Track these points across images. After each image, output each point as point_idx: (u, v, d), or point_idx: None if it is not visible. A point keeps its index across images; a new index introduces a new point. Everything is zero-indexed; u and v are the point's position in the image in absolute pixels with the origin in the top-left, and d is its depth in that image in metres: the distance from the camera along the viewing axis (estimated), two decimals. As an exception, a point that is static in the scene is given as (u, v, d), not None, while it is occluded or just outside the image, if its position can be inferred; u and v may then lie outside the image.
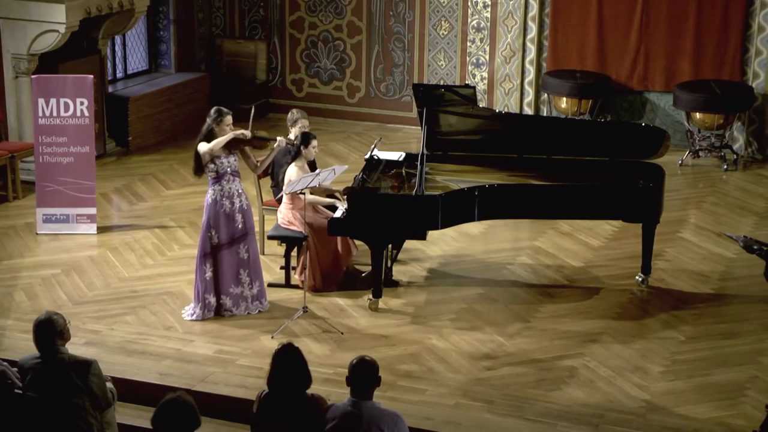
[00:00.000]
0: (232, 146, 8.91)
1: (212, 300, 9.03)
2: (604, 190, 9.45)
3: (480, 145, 10.06)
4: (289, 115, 10.25)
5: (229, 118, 8.90)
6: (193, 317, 9.03)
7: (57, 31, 11.94)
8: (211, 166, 8.85)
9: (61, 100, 10.88)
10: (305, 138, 9.58)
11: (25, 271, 10.03)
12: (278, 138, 9.15)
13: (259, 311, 9.17)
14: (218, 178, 8.89)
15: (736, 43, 13.32)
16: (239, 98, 14.25)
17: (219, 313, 9.07)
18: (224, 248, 8.95)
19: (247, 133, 8.90)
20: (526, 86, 14.08)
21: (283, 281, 9.68)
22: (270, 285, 9.62)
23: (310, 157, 9.62)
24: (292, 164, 9.53)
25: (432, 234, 10.12)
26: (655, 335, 8.89)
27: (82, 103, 10.91)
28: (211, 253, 8.96)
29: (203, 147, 8.82)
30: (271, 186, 10.26)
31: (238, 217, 8.98)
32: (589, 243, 10.81)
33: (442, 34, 14.38)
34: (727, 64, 13.40)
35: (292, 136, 9.98)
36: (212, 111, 8.96)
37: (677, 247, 10.69)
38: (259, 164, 9.32)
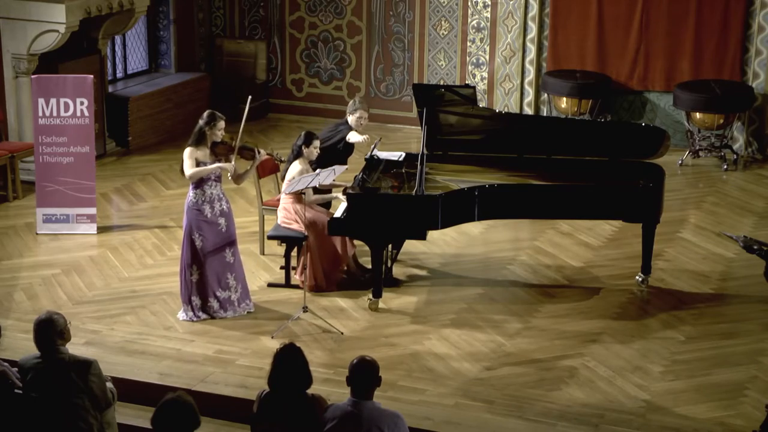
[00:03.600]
0: (218, 153, 8.91)
1: (198, 302, 9.02)
2: (604, 190, 9.45)
3: (480, 145, 10.05)
4: (351, 102, 10.25)
5: (221, 124, 8.88)
6: (185, 319, 9.04)
7: (57, 31, 11.94)
8: None
9: (61, 100, 10.88)
10: (308, 137, 9.58)
11: (25, 271, 10.03)
12: (260, 150, 9.10)
13: (248, 312, 9.17)
14: (201, 182, 8.87)
15: (736, 43, 13.31)
16: (239, 98, 14.23)
17: (207, 314, 9.06)
18: (210, 252, 8.93)
19: (230, 167, 8.87)
20: (526, 86, 14.08)
21: (283, 281, 9.68)
22: (270, 285, 9.64)
23: (311, 156, 9.61)
24: (296, 162, 9.53)
25: (432, 234, 10.12)
26: (655, 335, 8.89)
27: (82, 103, 10.91)
28: (196, 256, 8.95)
29: (188, 161, 8.78)
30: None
31: (221, 220, 8.97)
32: (589, 243, 10.81)
33: (442, 34, 14.37)
34: (727, 64, 13.40)
35: (350, 120, 10.06)
36: (205, 114, 8.92)
37: (677, 247, 10.68)
38: (240, 176, 9.21)
